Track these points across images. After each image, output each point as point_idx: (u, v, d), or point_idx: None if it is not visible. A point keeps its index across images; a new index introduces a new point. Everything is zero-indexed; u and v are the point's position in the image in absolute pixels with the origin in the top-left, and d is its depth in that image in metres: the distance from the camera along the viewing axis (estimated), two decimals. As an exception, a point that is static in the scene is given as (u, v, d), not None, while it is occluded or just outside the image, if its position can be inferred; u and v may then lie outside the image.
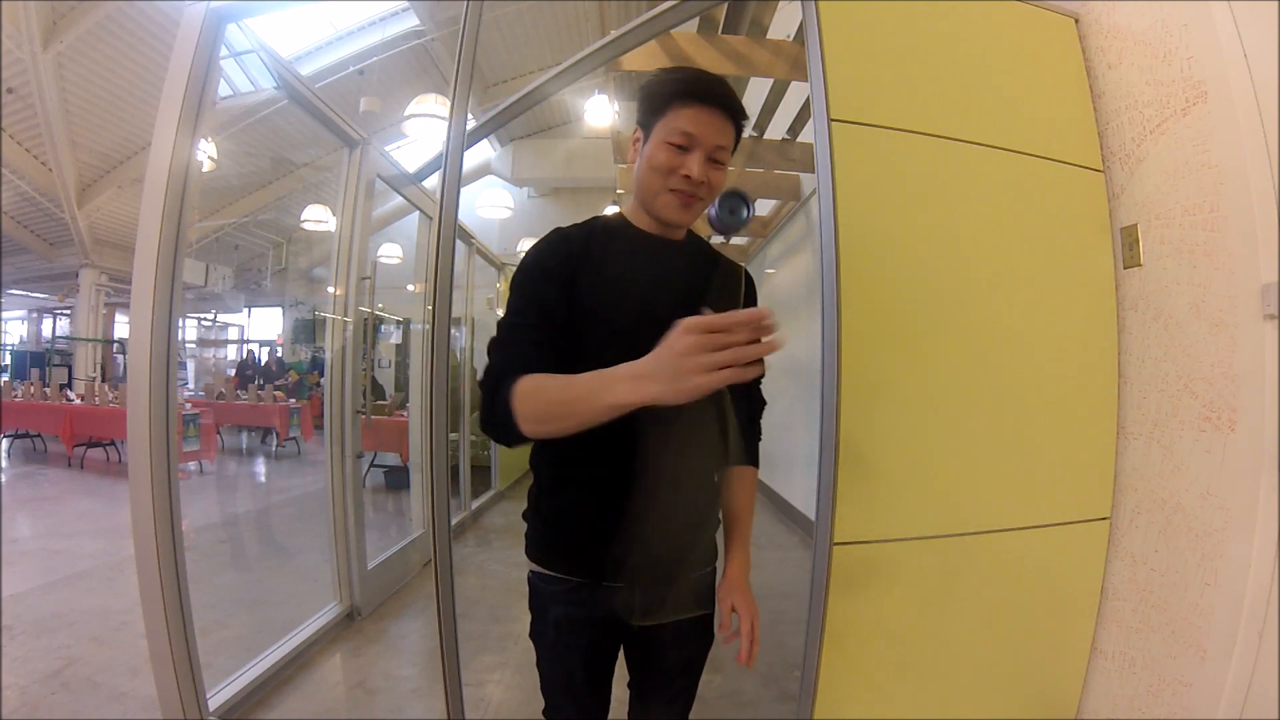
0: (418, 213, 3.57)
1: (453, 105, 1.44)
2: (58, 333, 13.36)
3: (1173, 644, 1.28)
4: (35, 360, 12.14)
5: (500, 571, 3.57)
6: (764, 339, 0.65)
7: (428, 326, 1.73)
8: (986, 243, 1.40)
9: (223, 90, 7.93)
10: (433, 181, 3.17)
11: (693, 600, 1.05)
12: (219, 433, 7.30)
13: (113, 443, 6.63)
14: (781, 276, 5.76)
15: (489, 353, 0.92)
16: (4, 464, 6.61)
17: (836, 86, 1.31)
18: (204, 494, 5.58)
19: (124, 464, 4.47)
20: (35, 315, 14.25)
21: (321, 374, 7.27)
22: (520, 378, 0.84)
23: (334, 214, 4.66)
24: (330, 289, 3.01)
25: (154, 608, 1.65)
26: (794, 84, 3.49)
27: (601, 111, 5.74)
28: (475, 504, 4.80)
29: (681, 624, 1.04)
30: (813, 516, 1.32)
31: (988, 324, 1.39)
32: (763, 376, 0.66)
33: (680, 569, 1.04)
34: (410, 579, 3.32)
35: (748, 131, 3.15)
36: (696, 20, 2.94)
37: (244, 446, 8.32)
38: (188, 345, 13.27)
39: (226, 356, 14.02)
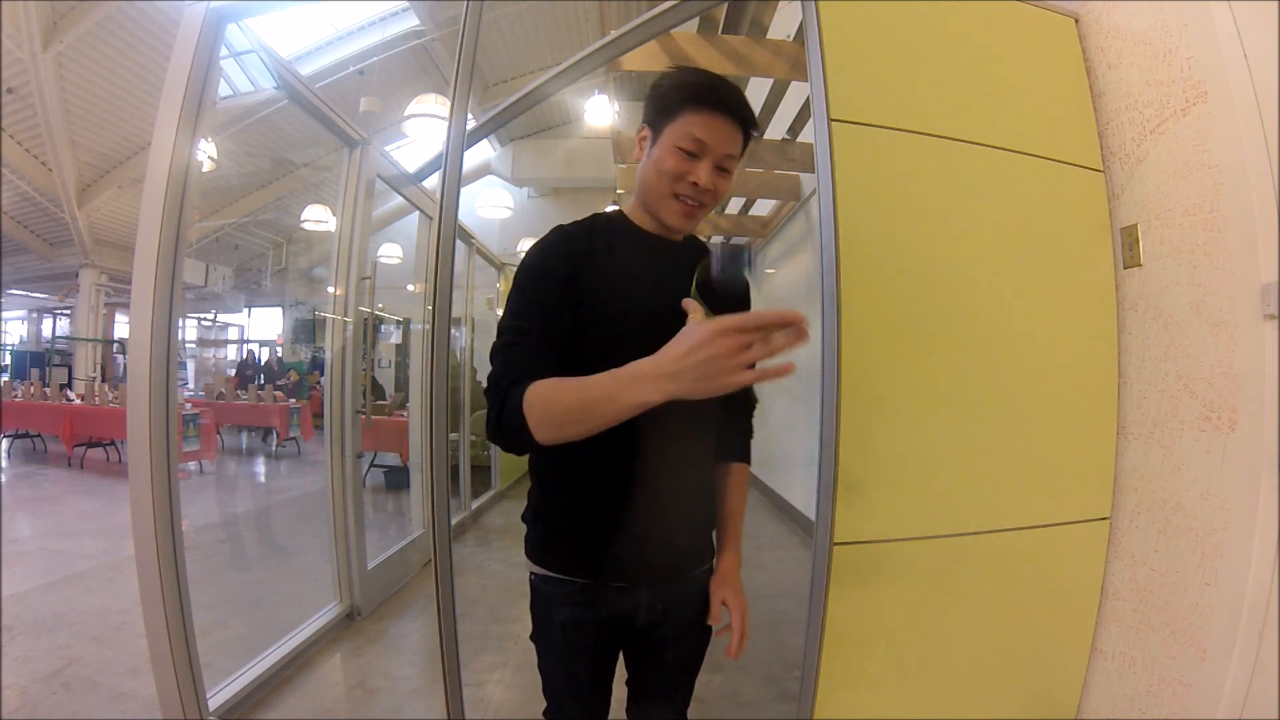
0: (418, 213, 3.57)
1: (453, 105, 1.44)
2: (58, 333, 13.37)
3: (1173, 644, 1.28)
4: (35, 360, 12.15)
5: (500, 571, 3.57)
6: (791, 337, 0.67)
7: (428, 326, 1.73)
8: (986, 243, 1.40)
9: (223, 90, 7.93)
10: (433, 181, 3.17)
11: (696, 597, 1.05)
12: (219, 433, 7.30)
13: (113, 443, 6.63)
14: (781, 276, 5.76)
15: (492, 359, 0.91)
16: (4, 464, 6.61)
17: (836, 86, 1.31)
18: (204, 494, 5.58)
19: (124, 464, 4.47)
20: (35, 315, 14.26)
21: (322, 374, 7.27)
22: (529, 384, 0.83)
23: (334, 214, 4.66)
24: (330, 289, 3.01)
25: (154, 608, 1.65)
26: (794, 84, 3.49)
27: (601, 111, 5.74)
28: (475, 504, 4.80)
29: (682, 622, 1.05)
30: (813, 516, 1.32)
31: (988, 324, 1.39)
32: (789, 373, 0.67)
33: (684, 566, 1.05)
34: (410, 579, 3.32)
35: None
36: (696, 20, 2.94)
37: (244, 446, 8.32)
38: (188, 345, 13.28)
39: (226, 356, 14.03)
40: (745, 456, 1.13)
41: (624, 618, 1.01)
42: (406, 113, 5.41)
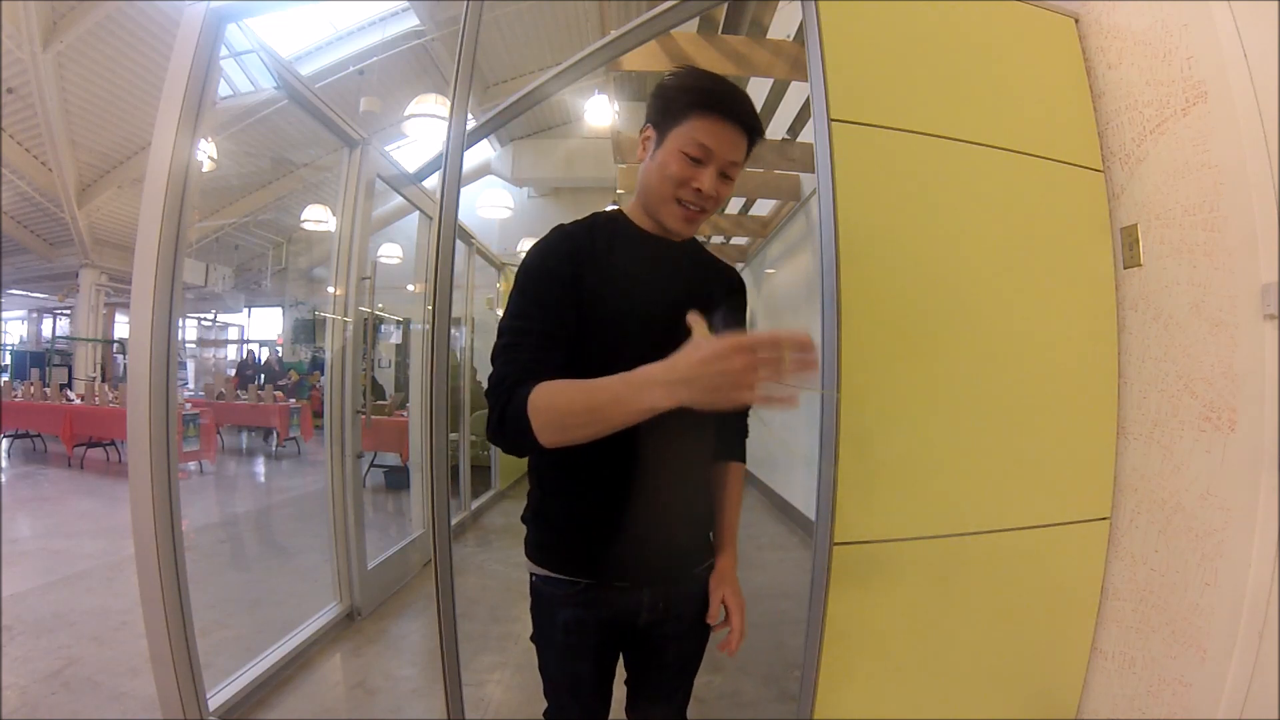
0: (418, 213, 3.57)
1: (453, 105, 1.44)
2: (58, 333, 13.37)
3: (1173, 644, 1.28)
4: (35, 360, 12.14)
5: (500, 571, 3.57)
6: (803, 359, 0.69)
7: (428, 326, 1.73)
8: (986, 243, 1.40)
9: (223, 90, 7.93)
10: (433, 181, 3.17)
11: (696, 596, 1.06)
12: (219, 433, 7.30)
13: (113, 443, 6.63)
14: (781, 276, 5.76)
15: (493, 359, 0.91)
16: (4, 464, 6.61)
17: (836, 86, 1.31)
18: (204, 494, 5.58)
19: (124, 464, 4.48)
20: (35, 315, 14.26)
21: (322, 374, 7.27)
22: (533, 386, 0.82)
23: (334, 214, 4.66)
24: (330, 289, 3.01)
25: (154, 608, 1.65)
26: (794, 84, 3.49)
27: (601, 111, 5.75)
28: (475, 504, 4.80)
29: (683, 620, 1.05)
30: (813, 516, 1.32)
31: (988, 324, 1.39)
32: (793, 406, 0.69)
33: (684, 565, 1.06)
34: (410, 579, 3.32)
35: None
36: (696, 20, 2.94)
37: (244, 446, 8.32)
38: (188, 345, 13.28)
39: (226, 356, 14.03)
40: (741, 456, 1.14)
41: (626, 617, 1.01)
42: (406, 113, 5.41)
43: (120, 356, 11.93)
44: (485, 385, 0.95)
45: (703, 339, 0.72)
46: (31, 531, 4.08)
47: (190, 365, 13.15)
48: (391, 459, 5.67)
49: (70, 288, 11.63)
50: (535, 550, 1.04)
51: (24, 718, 1.94)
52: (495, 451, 5.46)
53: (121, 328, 12.55)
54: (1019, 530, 1.39)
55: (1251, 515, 1.15)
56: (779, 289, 5.83)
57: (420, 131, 5.82)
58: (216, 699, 1.91)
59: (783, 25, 3.25)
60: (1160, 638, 1.31)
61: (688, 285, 1.02)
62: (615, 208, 1.07)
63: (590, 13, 7.88)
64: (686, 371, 0.71)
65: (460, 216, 1.52)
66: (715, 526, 1.10)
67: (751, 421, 1.16)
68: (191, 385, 11.53)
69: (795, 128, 4.04)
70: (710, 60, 2.94)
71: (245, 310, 14.12)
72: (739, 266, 7.08)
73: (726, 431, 1.10)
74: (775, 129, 4.13)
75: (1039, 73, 1.48)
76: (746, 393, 0.68)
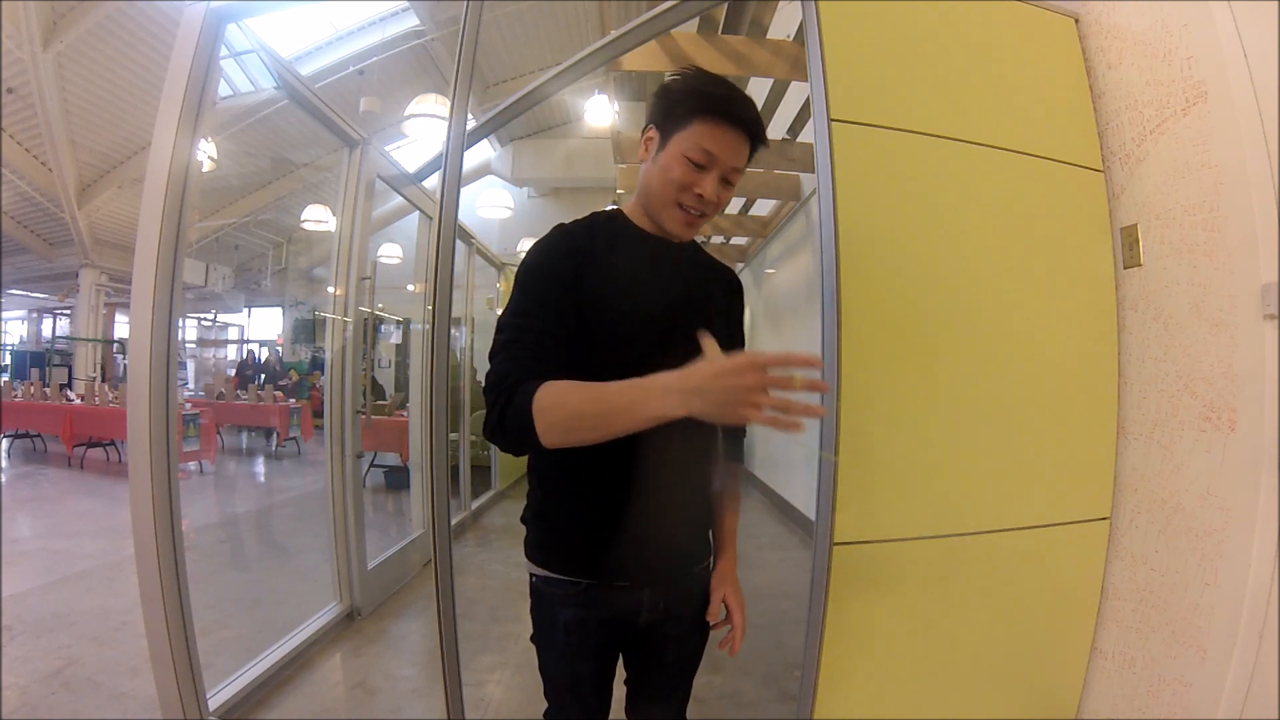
0: (418, 213, 3.57)
1: (453, 105, 1.44)
2: (58, 333, 13.36)
3: (1173, 644, 1.28)
4: (35, 360, 12.14)
5: (500, 571, 3.57)
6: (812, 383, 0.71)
7: (428, 326, 1.73)
8: (986, 242, 1.40)
9: (223, 90, 7.93)
10: (433, 181, 3.17)
11: (696, 595, 1.06)
12: (219, 433, 7.30)
13: (113, 443, 6.63)
14: (781, 276, 5.76)
15: (492, 356, 0.91)
16: (4, 464, 6.61)
17: (836, 86, 1.31)
18: (204, 494, 5.58)
19: (124, 464, 4.47)
20: (35, 315, 14.26)
21: (322, 374, 7.27)
22: (537, 386, 0.82)
23: (334, 214, 4.66)
24: (330, 289, 3.01)
25: (154, 608, 1.65)
26: (794, 84, 3.49)
27: (601, 111, 5.74)
28: (475, 504, 4.80)
29: (683, 620, 1.06)
30: (813, 516, 1.32)
31: (988, 324, 1.39)
32: (799, 431, 0.70)
33: (684, 565, 1.06)
34: (410, 579, 3.32)
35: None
36: (696, 20, 2.94)
37: (244, 446, 8.32)
38: (188, 345, 13.27)
39: (226, 356, 14.03)
40: (739, 456, 1.15)
41: (626, 617, 1.02)
42: (406, 113, 5.41)
43: (120, 356, 11.93)
44: (484, 382, 0.95)
45: (715, 354, 0.73)
46: (31, 531, 4.08)
47: (190, 365, 13.15)
48: (391, 459, 5.67)
49: (70, 288, 11.63)
50: (535, 551, 1.03)
51: (24, 718, 1.94)
52: (495, 451, 5.46)
53: (121, 328, 12.55)
54: (1019, 530, 1.39)
55: (1251, 515, 1.15)
56: (779, 289, 5.83)
57: (420, 131, 5.82)
58: (216, 699, 1.91)
59: (783, 25, 3.25)
60: (1160, 638, 1.31)
61: (687, 286, 1.02)
62: (615, 207, 1.07)
63: (590, 13, 7.88)
64: (701, 383, 0.72)
65: (460, 216, 1.52)
66: (714, 527, 1.11)
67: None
68: (191, 385, 11.53)
69: (795, 128, 4.04)
70: (710, 60, 2.94)
71: (245, 310, 14.11)
72: (739, 267, 7.08)
73: (725, 432, 1.11)
74: (775, 129, 4.13)
75: (1039, 73, 1.48)
76: (753, 411, 0.70)
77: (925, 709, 1.38)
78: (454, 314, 4.40)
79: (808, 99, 1.44)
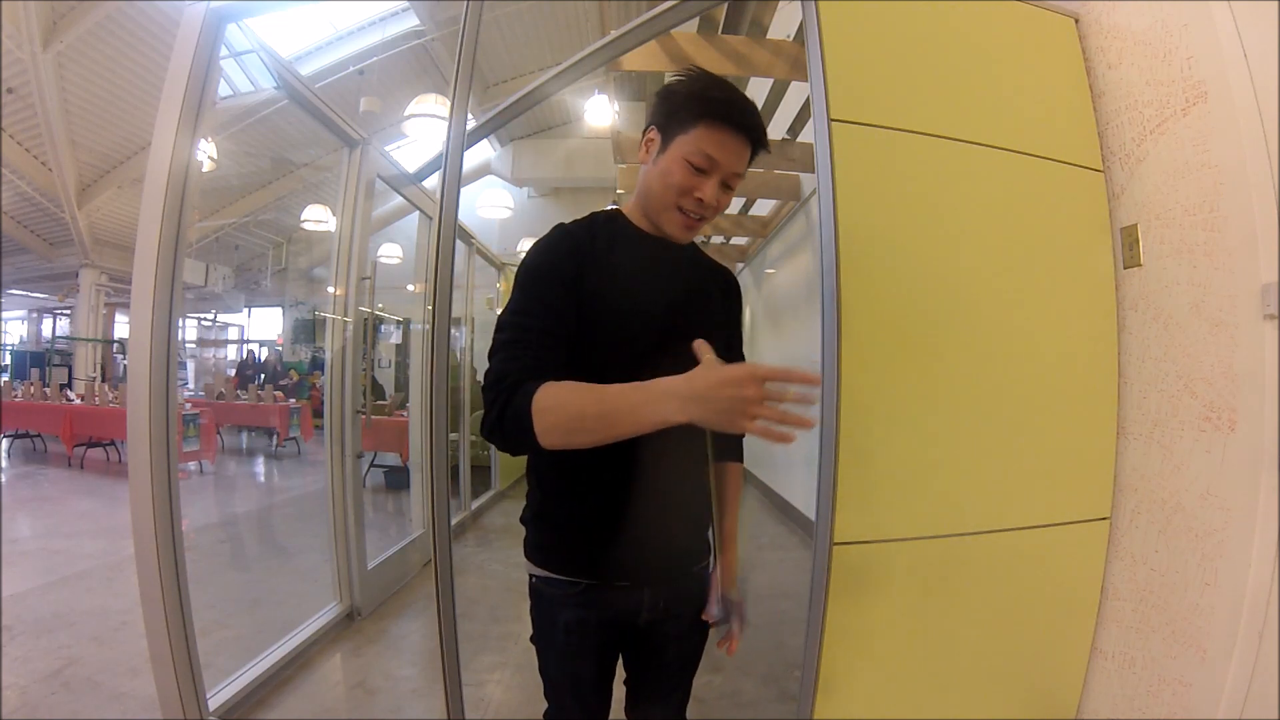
0: (418, 213, 3.57)
1: (453, 105, 1.44)
2: (58, 333, 13.36)
3: (1173, 644, 1.28)
4: (35, 360, 12.14)
5: (500, 571, 3.57)
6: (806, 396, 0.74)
7: (428, 326, 1.73)
8: (986, 242, 1.40)
9: (223, 90, 7.93)
10: (433, 181, 3.17)
11: (696, 595, 1.06)
12: (219, 433, 7.30)
13: (113, 443, 6.63)
14: (781, 276, 5.76)
15: (492, 355, 0.90)
16: (4, 464, 6.61)
17: (836, 86, 1.31)
18: (204, 494, 5.58)
19: (124, 464, 4.47)
20: (35, 315, 14.25)
21: (322, 374, 7.27)
22: (537, 386, 0.82)
23: (334, 214, 4.66)
24: (330, 289, 3.01)
25: (154, 608, 1.65)
26: (794, 84, 3.49)
27: (601, 111, 5.74)
28: (475, 504, 4.80)
29: (683, 620, 1.06)
30: (813, 516, 1.32)
31: (988, 324, 1.39)
32: (790, 441, 0.72)
33: (684, 564, 1.06)
34: (410, 579, 3.32)
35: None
36: (696, 20, 2.94)
37: (244, 446, 8.32)
38: (188, 345, 13.27)
39: (226, 356, 14.03)
40: (738, 456, 1.15)
41: (627, 617, 1.02)
42: (406, 113, 5.41)
43: (120, 356, 11.93)
44: (483, 380, 0.95)
45: (715, 362, 0.74)
46: (31, 531, 4.08)
47: (190, 365, 13.15)
48: (391, 459, 5.67)
49: (70, 288, 11.63)
50: (535, 551, 1.03)
51: (24, 718, 1.94)
52: (495, 451, 5.46)
53: (121, 328, 12.55)
54: (1019, 530, 1.39)
55: (1251, 515, 1.15)
56: (779, 289, 5.83)
57: (420, 131, 5.82)
58: (216, 699, 1.91)
59: (783, 25, 3.24)
60: (1160, 638, 1.31)
61: (686, 286, 1.02)
62: (614, 208, 1.07)
63: (590, 13, 7.88)
64: (704, 390, 0.72)
65: (460, 216, 1.52)
66: (716, 527, 1.10)
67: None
68: (191, 385, 11.53)
69: (795, 128, 4.04)
70: (710, 60, 2.94)
71: (245, 310, 14.11)
72: (739, 267, 7.08)
73: (724, 432, 1.11)
74: (775, 129, 4.13)
75: (1039, 73, 1.48)
76: (749, 422, 0.71)
77: (925, 709, 1.37)
78: (454, 314, 4.40)
79: (808, 99, 1.44)
